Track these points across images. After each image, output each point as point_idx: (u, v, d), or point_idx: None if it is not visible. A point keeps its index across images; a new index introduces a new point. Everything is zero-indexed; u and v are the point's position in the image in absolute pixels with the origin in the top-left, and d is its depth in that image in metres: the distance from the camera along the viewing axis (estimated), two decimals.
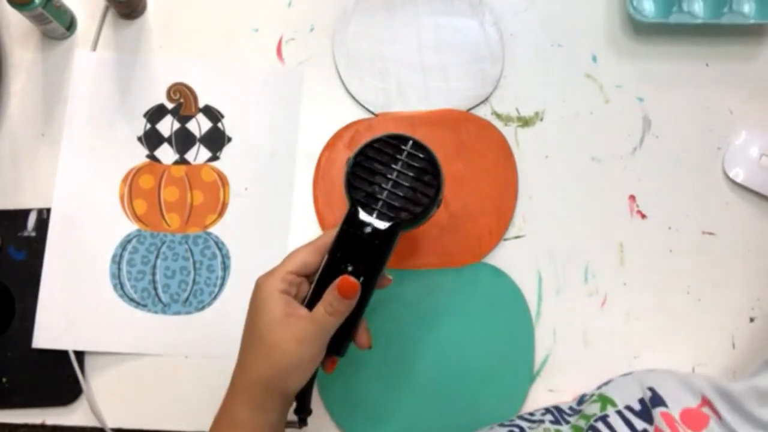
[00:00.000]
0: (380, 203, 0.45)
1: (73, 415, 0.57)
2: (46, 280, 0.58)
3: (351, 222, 0.45)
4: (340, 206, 0.59)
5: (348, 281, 0.43)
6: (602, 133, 0.61)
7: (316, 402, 0.57)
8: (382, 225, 0.45)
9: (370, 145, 0.46)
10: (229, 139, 0.61)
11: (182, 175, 0.60)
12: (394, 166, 0.45)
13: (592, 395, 0.53)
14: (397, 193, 0.45)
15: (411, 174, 0.45)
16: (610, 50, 0.63)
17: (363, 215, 0.45)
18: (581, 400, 0.54)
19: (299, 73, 0.62)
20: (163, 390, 0.57)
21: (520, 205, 0.60)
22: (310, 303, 0.44)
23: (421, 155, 0.46)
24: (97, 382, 0.57)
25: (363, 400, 0.56)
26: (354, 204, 0.45)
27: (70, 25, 0.61)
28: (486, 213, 0.59)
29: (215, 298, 0.58)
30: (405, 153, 0.46)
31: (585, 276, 0.59)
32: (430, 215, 0.47)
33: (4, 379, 0.57)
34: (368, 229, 0.45)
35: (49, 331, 0.57)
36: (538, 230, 0.59)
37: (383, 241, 0.45)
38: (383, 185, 0.45)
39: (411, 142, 0.46)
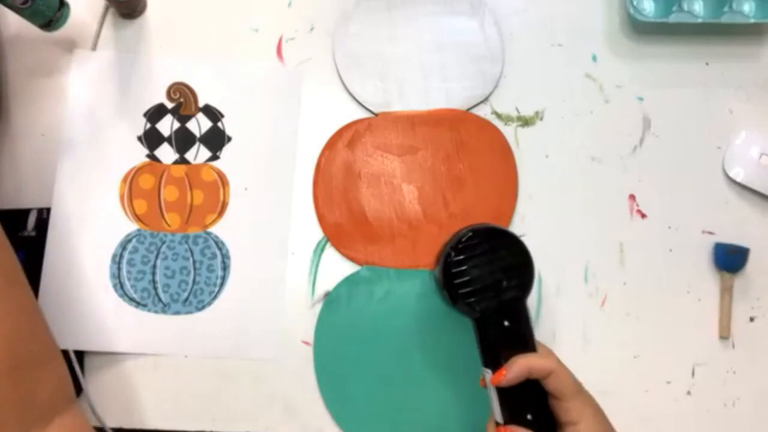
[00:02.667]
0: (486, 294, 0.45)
1: None
2: (46, 280, 0.58)
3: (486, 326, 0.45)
4: (339, 206, 0.59)
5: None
6: (602, 133, 0.61)
7: (316, 401, 0.57)
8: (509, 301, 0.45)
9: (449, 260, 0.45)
10: (229, 139, 0.61)
11: (182, 175, 0.60)
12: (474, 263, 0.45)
13: None
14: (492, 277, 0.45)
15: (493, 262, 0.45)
16: (610, 50, 0.63)
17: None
18: None
19: (299, 73, 0.62)
20: (163, 390, 0.57)
21: (520, 204, 0.60)
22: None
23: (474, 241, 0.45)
24: (97, 382, 0.57)
25: (363, 400, 0.56)
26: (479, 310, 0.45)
27: (48, 23, 0.59)
28: (486, 213, 0.59)
29: (215, 298, 0.58)
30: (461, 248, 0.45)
31: (585, 276, 0.59)
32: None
33: None
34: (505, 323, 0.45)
35: None
36: (538, 230, 0.59)
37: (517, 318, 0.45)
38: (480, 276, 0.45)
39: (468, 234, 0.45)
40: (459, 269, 0.45)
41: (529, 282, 0.45)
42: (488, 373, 0.44)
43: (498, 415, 0.44)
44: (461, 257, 0.45)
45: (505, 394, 0.44)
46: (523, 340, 0.45)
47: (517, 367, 0.43)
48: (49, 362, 0.46)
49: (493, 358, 0.44)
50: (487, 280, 0.45)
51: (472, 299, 0.44)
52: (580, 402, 0.43)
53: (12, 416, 0.42)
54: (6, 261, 0.46)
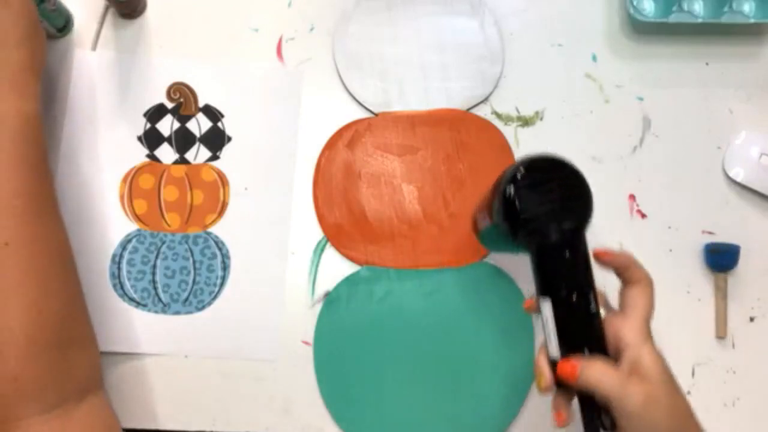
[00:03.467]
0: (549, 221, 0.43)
1: None
2: None
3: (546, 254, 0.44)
4: (339, 206, 0.59)
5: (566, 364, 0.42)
6: (602, 133, 0.61)
7: (316, 401, 0.57)
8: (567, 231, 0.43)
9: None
10: (229, 139, 0.61)
11: (182, 175, 0.60)
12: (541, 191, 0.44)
13: None
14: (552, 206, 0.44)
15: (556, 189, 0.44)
16: (610, 50, 0.63)
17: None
18: None
19: (299, 73, 0.62)
20: (163, 390, 0.57)
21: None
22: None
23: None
24: None
25: (363, 400, 0.56)
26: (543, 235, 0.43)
27: (63, 27, 0.61)
28: None
29: (215, 297, 0.58)
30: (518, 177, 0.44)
31: None
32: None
33: None
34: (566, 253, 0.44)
35: None
36: None
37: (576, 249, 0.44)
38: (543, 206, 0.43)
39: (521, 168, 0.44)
40: (518, 201, 0.43)
41: (588, 211, 0.45)
42: (547, 302, 0.44)
43: (554, 349, 0.43)
44: (520, 189, 0.43)
45: (565, 328, 0.43)
46: (582, 270, 0.44)
47: (585, 380, 0.41)
48: (88, 346, 0.50)
49: (554, 288, 0.43)
50: (546, 210, 0.43)
51: (533, 231, 0.43)
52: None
53: (53, 385, 0.46)
54: (65, 247, 0.50)
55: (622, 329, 0.42)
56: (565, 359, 0.42)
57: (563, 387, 0.43)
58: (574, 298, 0.43)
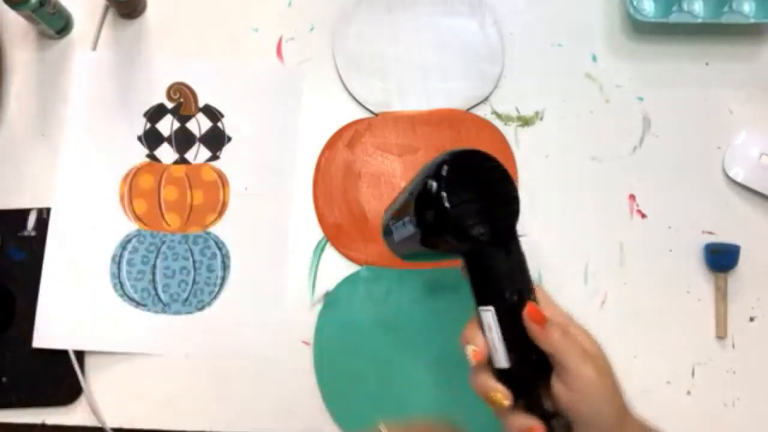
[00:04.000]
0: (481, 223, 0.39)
1: (73, 415, 0.57)
2: (46, 280, 0.58)
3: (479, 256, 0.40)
4: (339, 206, 0.59)
5: (533, 306, 0.39)
6: (602, 133, 0.61)
7: (315, 402, 0.57)
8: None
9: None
10: (229, 139, 0.61)
11: (182, 175, 0.60)
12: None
13: None
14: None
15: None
16: (610, 50, 0.63)
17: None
18: None
19: (299, 73, 0.62)
20: (163, 390, 0.57)
21: (520, 204, 0.60)
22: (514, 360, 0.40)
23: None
24: (97, 382, 0.57)
25: (362, 399, 0.56)
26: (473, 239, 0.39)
27: (63, 29, 0.61)
28: None
29: (215, 297, 0.58)
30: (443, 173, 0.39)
31: (585, 276, 0.59)
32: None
33: (4, 379, 0.57)
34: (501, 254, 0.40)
35: (49, 331, 0.57)
36: (538, 230, 0.59)
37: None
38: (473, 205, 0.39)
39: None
40: (440, 200, 0.38)
41: (516, 205, 0.40)
42: (489, 311, 0.40)
43: (503, 359, 0.40)
44: (441, 187, 0.38)
45: (512, 334, 0.39)
46: (520, 269, 0.40)
47: (553, 339, 0.39)
48: None
49: (495, 293, 0.40)
50: (477, 207, 0.39)
51: (466, 229, 0.38)
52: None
53: None
54: None
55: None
56: (530, 303, 0.40)
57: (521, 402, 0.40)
58: (516, 299, 0.40)
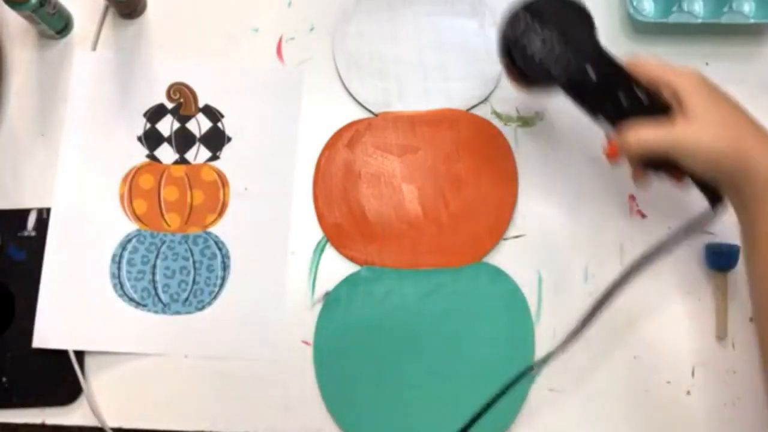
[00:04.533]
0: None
1: (73, 415, 0.57)
2: (46, 280, 0.58)
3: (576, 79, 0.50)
4: (339, 206, 0.59)
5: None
6: (602, 133, 0.61)
7: (316, 401, 0.57)
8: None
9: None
10: (229, 139, 0.61)
11: (182, 175, 0.60)
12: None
13: None
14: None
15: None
16: (610, 50, 0.63)
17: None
18: None
19: (299, 73, 0.62)
20: (163, 390, 0.57)
21: (520, 204, 0.60)
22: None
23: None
24: (97, 382, 0.57)
25: (363, 400, 0.56)
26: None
27: (63, 29, 0.61)
28: (486, 213, 0.59)
29: (215, 298, 0.58)
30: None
31: (585, 276, 0.59)
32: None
33: (4, 379, 0.57)
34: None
35: (49, 331, 0.57)
36: (538, 230, 0.59)
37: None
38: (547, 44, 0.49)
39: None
40: (525, 43, 0.49)
41: (590, 17, 0.51)
42: (601, 121, 0.50)
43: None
44: (523, 32, 0.49)
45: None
46: (615, 70, 0.50)
47: (634, 145, 0.47)
48: None
49: (600, 105, 0.50)
50: (556, 41, 0.50)
51: (553, 63, 0.49)
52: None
53: None
54: None
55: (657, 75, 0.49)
56: (609, 143, 0.49)
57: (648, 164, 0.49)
58: (624, 102, 0.48)
